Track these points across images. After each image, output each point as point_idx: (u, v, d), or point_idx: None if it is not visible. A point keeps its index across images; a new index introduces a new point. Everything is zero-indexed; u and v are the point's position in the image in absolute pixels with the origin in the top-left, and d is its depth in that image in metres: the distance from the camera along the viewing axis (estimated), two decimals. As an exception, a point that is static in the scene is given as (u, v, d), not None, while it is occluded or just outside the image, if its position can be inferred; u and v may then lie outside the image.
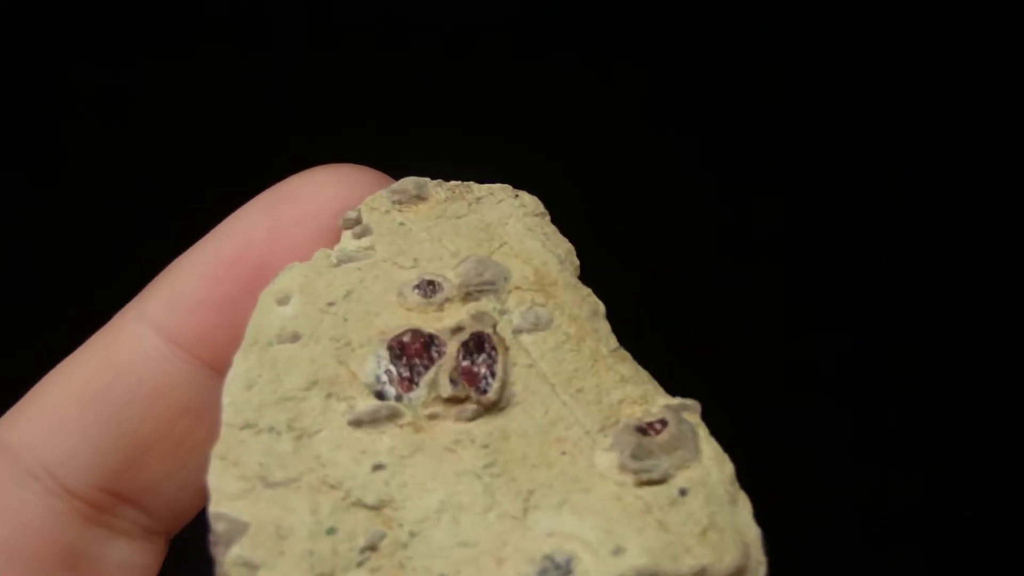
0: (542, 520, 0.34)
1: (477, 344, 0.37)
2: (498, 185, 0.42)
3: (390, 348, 0.37)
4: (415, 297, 0.38)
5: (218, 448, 0.35)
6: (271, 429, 0.35)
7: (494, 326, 0.37)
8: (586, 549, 0.34)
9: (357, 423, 0.35)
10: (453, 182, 0.42)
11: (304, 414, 0.36)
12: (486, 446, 0.35)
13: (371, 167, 0.42)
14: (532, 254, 0.40)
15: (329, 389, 0.36)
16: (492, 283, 0.38)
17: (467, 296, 0.38)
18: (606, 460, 0.35)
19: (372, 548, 0.34)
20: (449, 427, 0.36)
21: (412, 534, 0.34)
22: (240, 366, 0.36)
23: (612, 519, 0.34)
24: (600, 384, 0.37)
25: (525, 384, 0.37)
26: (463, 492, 0.35)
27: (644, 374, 0.38)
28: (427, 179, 0.41)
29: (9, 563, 0.37)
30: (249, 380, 0.36)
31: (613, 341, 0.39)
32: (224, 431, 0.35)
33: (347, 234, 0.40)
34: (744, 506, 0.36)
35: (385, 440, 0.35)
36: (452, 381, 0.36)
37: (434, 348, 0.37)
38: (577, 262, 0.41)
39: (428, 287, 0.38)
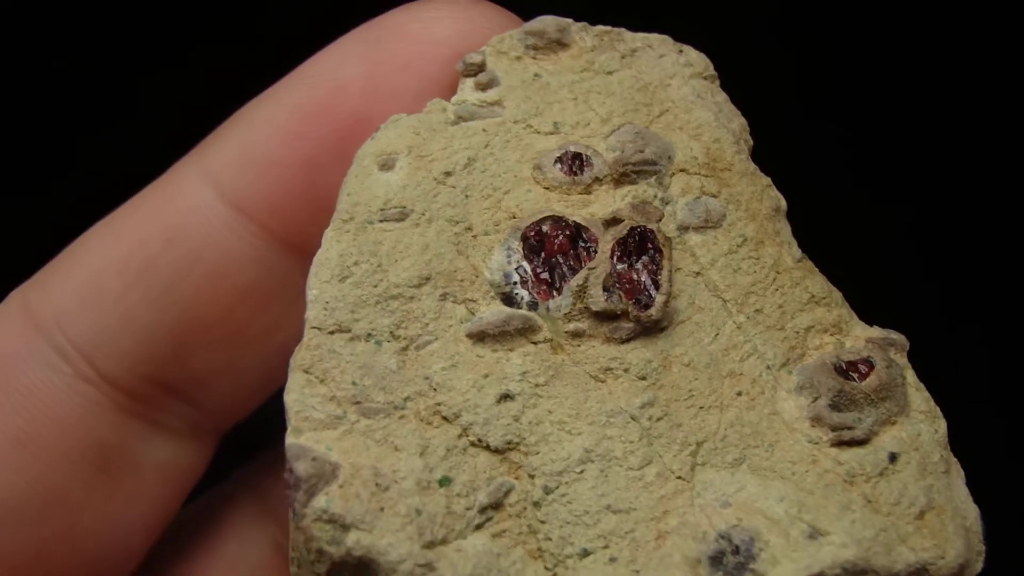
0: (714, 482, 0.27)
1: (638, 243, 0.29)
2: (657, 36, 0.33)
3: (525, 239, 0.29)
4: (557, 173, 0.30)
5: (300, 357, 0.27)
6: (369, 336, 0.28)
7: (659, 220, 0.29)
8: (773, 528, 0.26)
9: (479, 336, 0.28)
10: (600, 27, 0.33)
11: (413, 318, 0.28)
12: (643, 377, 0.28)
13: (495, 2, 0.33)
14: (702, 127, 0.31)
15: (445, 287, 0.28)
16: (653, 163, 0.30)
17: (622, 177, 0.30)
18: (793, 406, 0.28)
19: (496, 506, 0.27)
20: (597, 349, 0.28)
21: (547, 490, 0.27)
22: (332, 248, 0.28)
23: (806, 489, 0.27)
24: (784, 304, 0.30)
25: (691, 297, 0.29)
26: (615, 438, 0.27)
27: (837, 294, 0.30)
28: (569, 20, 0.32)
29: (28, 457, 0.31)
30: (343, 268, 0.28)
31: (796, 249, 0.31)
32: (308, 335, 0.28)
33: (468, 83, 0.32)
34: (958, 476, 0.28)
35: (515, 361, 0.28)
36: (606, 290, 0.28)
37: (582, 244, 0.29)
38: (751, 142, 0.32)
39: (574, 161, 0.30)
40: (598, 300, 0.28)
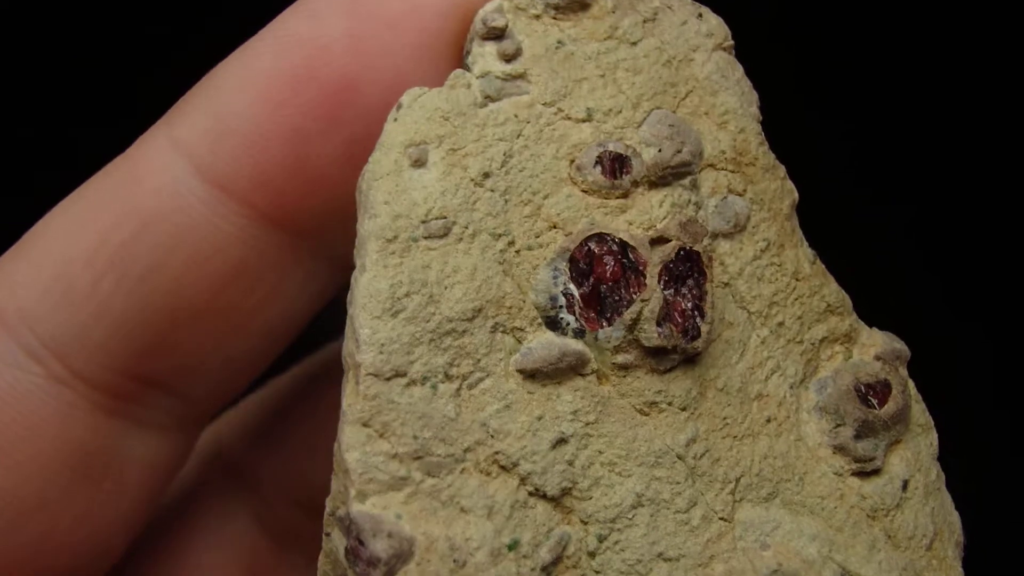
0: (752, 521, 0.27)
1: (685, 266, 0.27)
2: None
3: (573, 260, 0.27)
4: (598, 176, 0.27)
5: (358, 408, 0.25)
6: (425, 380, 0.26)
7: (704, 237, 0.27)
8: (808, 571, 0.26)
9: (531, 374, 0.26)
10: None
11: (465, 354, 0.26)
12: (684, 408, 0.27)
13: None
14: (728, 115, 0.29)
15: (495, 316, 0.26)
16: (689, 163, 0.28)
17: (659, 180, 0.28)
18: (814, 429, 0.28)
19: (556, 561, 0.26)
20: (643, 380, 0.27)
21: (601, 538, 0.26)
22: (381, 277, 0.26)
23: (835, 526, 0.27)
24: (803, 315, 0.29)
25: (721, 312, 0.28)
26: (663, 480, 0.27)
27: (847, 299, 0.30)
28: None
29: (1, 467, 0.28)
30: (395, 301, 0.26)
31: (808, 248, 0.30)
32: (366, 383, 0.25)
33: (489, 49, 0.28)
34: (942, 483, 0.29)
35: (565, 398, 0.26)
36: (659, 324, 0.27)
37: (629, 268, 0.27)
38: (760, 115, 0.31)
39: (615, 164, 0.28)
40: (651, 336, 0.26)
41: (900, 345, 0.29)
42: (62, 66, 0.63)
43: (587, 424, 0.26)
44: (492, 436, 0.26)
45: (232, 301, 0.30)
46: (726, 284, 0.28)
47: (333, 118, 0.28)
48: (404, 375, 0.25)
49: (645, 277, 0.27)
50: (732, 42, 0.30)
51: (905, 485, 0.28)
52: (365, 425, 0.25)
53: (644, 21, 0.29)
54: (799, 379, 0.28)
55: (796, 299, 0.29)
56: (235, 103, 0.28)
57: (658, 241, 0.27)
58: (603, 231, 0.27)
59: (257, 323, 0.30)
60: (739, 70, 0.30)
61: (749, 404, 0.28)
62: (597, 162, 0.28)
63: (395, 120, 0.27)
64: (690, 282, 0.27)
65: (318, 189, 0.29)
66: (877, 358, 0.29)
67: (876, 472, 0.28)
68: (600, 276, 0.27)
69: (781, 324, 0.28)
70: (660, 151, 0.28)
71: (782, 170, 0.30)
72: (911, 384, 0.29)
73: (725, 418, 0.27)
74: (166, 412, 0.31)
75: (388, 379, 0.25)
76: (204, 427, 0.33)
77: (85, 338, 0.29)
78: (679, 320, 0.27)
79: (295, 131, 0.28)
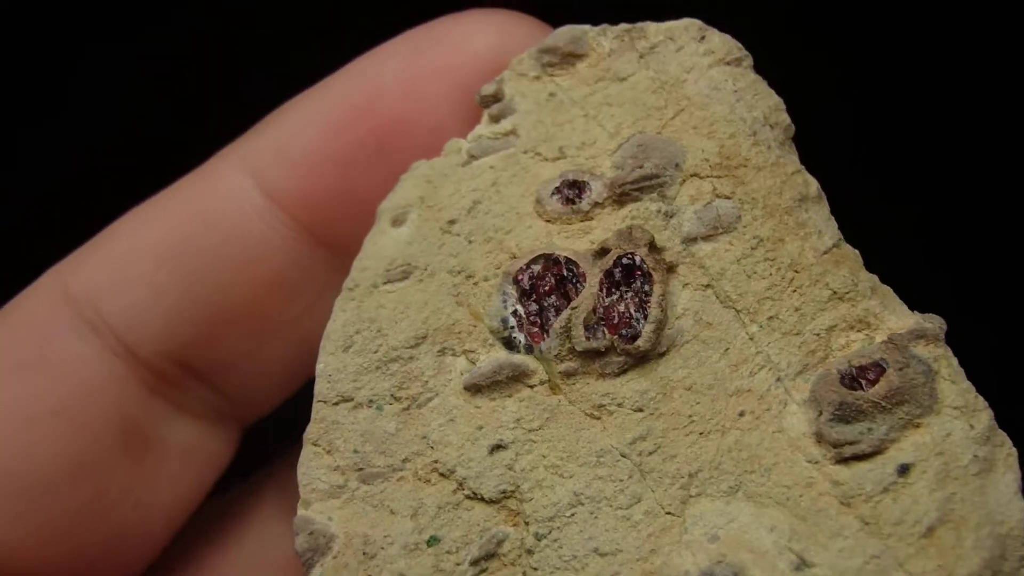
0: (706, 515, 0.26)
1: (625, 272, 0.28)
2: (682, 22, 0.32)
3: (517, 282, 0.29)
4: (555, 204, 0.30)
5: (309, 431, 0.29)
6: (371, 402, 0.29)
7: (649, 243, 0.28)
8: (758, 562, 0.25)
9: (474, 389, 0.28)
10: (623, 25, 0.32)
11: (412, 377, 0.29)
12: (640, 409, 0.28)
13: (534, 16, 0.34)
14: (716, 124, 0.30)
15: (443, 342, 0.29)
16: (655, 176, 0.29)
17: (622, 197, 0.29)
18: (800, 421, 0.27)
19: (489, 556, 0.27)
20: (592, 386, 0.28)
21: (539, 536, 0.27)
22: (338, 319, 0.30)
23: (799, 515, 0.26)
24: (802, 306, 0.28)
25: (699, 314, 0.28)
26: (605, 478, 0.27)
27: (866, 282, 0.28)
28: (587, 27, 0.32)
29: (60, 426, 0.32)
30: (347, 338, 0.29)
31: (829, 235, 0.29)
32: (315, 408, 0.29)
33: (486, 116, 0.32)
34: (1005, 474, 0.26)
35: (510, 408, 0.28)
36: (587, 328, 0.28)
37: (570, 282, 0.28)
38: (787, 121, 0.31)
39: (571, 190, 0.30)
40: (580, 340, 0.28)
41: (930, 324, 0.27)
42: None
43: (530, 431, 0.28)
44: (432, 447, 0.28)
45: (272, 308, 0.33)
46: (707, 286, 0.28)
47: (381, 151, 0.32)
48: (350, 400, 0.29)
49: (583, 287, 0.28)
50: (740, 55, 0.31)
51: (904, 469, 0.26)
52: (315, 444, 0.29)
53: (640, 56, 0.31)
54: (795, 371, 0.27)
55: (794, 291, 0.28)
56: (298, 129, 0.33)
57: (600, 253, 0.29)
58: (547, 252, 0.29)
59: (295, 334, 0.33)
60: (744, 80, 0.31)
61: (725, 400, 0.27)
62: (555, 191, 0.30)
63: (392, 191, 0.31)
64: (635, 285, 0.28)
65: (361, 214, 0.32)
66: (886, 341, 0.27)
67: (864, 457, 0.26)
68: (540, 293, 0.29)
69: (774, 318, 0.28)
70: (620, 170, 0.30)
71: (794, 165, 0.30)
72: (947, 362, 0.27)
73: (691, 416, 0.27)
74: (205, 403, 0.34)
75: (335, 404, 0.29)
76: (243, 428, 0.36)
77: (140, 318, 0.33)
78: (614, 323, 0.28)
79: (346, 158, 0.33)
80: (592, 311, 0.28)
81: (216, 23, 0.60)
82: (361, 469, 0.28)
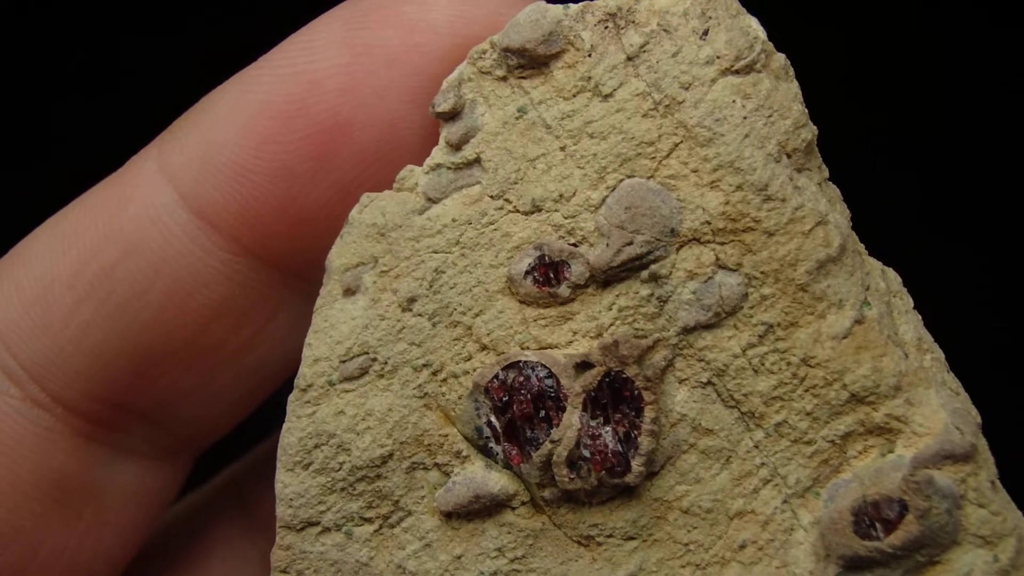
0: None
1: (613, 394, 0.25)
2: (680, 5, 0.26)
3: (488, 393, 0.25)
4: (530, 287, 0.26)
5: (276, 557, 0.27)
6: (339, 526, 0.26)
7: (639, 359, 0.25)
8: None
9: (449, 515, 0.26)
10: (603, 8, 0.26)
11: (382, 496, 0.26)
12: (632, 538, 0.25)
13: None
14: (721, 168, 0.25)
15: (412, 456, 0.26)
16: (646, 254, 0.25)
17: (610, 277, 0.25)
18: (807, 555, 0.25)
19: None
20: (576, 513, 0.25)
21: None
22: (293, 430, 0.26)
23: None
24: (815, 410, 0.25)
25: (697, 419, 0.25)
26: None
27: (891, 376, 0.25)
28: (559, 13, 0.26)
29: None
30: (305, 452, 0.26)
31: (851, 302, 0.25)
32: (280, 534, 0.27)
33: (442, 137, 0.26)
34: None
35: (491, 534, 0.26)
36: (571, 465, 0.25)
37: (550, 398, 0.25)
38: (810, 136, 0.26)
39: (547, 272, 0.26)
40: (563, 480, 0.25)
41: (959, 437, 0.24)
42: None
43: (513, 560, 0.26)
44: None
45: (218, 338, 0.29)
46: (707, 383, 0.25)
47: (323, 159, 0.28)
48: (317, 524, 0.26)
49: (564, 410, 0.25)
50: (753, 58, 0.26)
51: None
52: (283, 572, 0.27)
53: (627, 59, 0.26)
54: (804, 487, 0.25)
55: (806, 391, 0.25)
56: (223, 134, 0.28)
57: (582, 366, 0.25)
58: (519, 358, 0.25)
59: (246, 361, 0.30)
60: (755, 95, 0.25)
61: (724, 525, 0.25)
62: (528, 272, 0.26)
63: (341, 239, 0.27)
64: (623, 408, 0.25)
65: (308, 231, 0.28)
66: (906, 479, 0.24)
67: None
68: (516, 414, 0.25)
69: (782, 424, 0.25)
70: (607, 246, 0.25)
71: (808, 218, 0.25)
72: (973, 483, 0.24)
73: (688, 544, 0.25)
74: (149, 442, 0.32)
75: (300, 530, 0.26)
76: (194, 457, 0.33)
77: (64, 363, 0.29)
78: (599, 458, 0.25)
79: (283, 169, 0.28)
80: (576, 445, 0.25)
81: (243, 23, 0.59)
82: None
